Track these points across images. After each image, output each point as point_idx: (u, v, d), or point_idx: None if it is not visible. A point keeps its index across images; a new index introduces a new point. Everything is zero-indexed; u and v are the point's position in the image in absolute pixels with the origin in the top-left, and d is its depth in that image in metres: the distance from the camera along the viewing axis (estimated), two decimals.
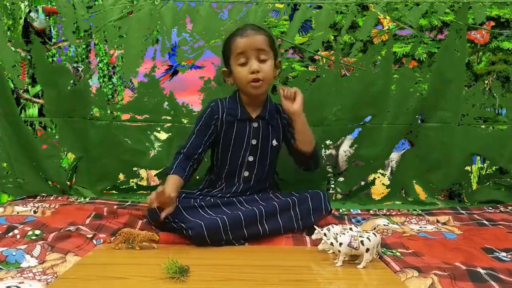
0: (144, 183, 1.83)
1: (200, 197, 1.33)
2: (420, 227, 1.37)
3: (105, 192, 1.79)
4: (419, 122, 1.79)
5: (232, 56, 1.32)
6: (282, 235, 1.23)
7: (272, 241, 1.20)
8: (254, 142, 1.35)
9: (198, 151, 1.34)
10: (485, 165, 1.81)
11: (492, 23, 1.77)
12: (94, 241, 1.14)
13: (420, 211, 1.55)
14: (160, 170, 1.78)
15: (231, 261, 1.04)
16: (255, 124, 1.35)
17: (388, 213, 1.55)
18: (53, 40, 1.80)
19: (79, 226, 1.24)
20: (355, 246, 0.98)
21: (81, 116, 1.77)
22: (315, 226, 1.10)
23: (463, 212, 1.53)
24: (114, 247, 1.10)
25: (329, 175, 1.83)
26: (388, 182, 1.81)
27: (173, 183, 1.26)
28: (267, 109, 1.37)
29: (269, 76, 1.31)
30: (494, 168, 1.80)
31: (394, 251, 1.11)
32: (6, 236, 1.16)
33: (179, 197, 1.27)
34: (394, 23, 1.76)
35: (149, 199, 1.16)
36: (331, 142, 1.81)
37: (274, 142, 1.38)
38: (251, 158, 1.36)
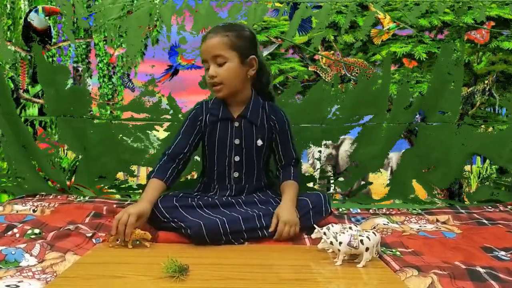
0: (143, 182, 1.83)
1: (198, 197, 1.33)
2: (420, 226, 1.37)
3: (105, 191, 1.79)
4: (419, 121, 1.79)
5: None
6: None
7: (272, 240, 1.20)
8: (237, 141, 1.33)
9: (183, 151, 1.32)
10: (485, 165, 1.81)
11: (492, 23, 1.77)
12: (94, 240, 1.14)
13: (419, 210, 1.55)
14: None
15: (230, 260, 1.04)
16: (236, 124, 1.33)
17: (387, 212, 1.54)
18: (53, 40, 1.80)
19: (79, 225, 1.23)
20: (354, 245, 0.98)
21: (81, 116, 1.77)
22: (314, 225, 1.10)
23: (463, 211, 1.53)
24: (109, 245, 1.10)
25: (329, 174, 1.83)
26: (387, 182, 1.82)
27: (146, 194, 1.23)
28: (250, 108, 1.34)
29: (228, 79, 1.28)
30: (493, 168, 1.80)
31: (393, 250, 1.10)
32: (5, 235, 1.15)
33: (176, 196, 1.27)
34: (394, 23, 1.76)
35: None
36: (331, 142, 1.81)
37: (259, 142, 1.34)
38: (237, 158, 1.34)
